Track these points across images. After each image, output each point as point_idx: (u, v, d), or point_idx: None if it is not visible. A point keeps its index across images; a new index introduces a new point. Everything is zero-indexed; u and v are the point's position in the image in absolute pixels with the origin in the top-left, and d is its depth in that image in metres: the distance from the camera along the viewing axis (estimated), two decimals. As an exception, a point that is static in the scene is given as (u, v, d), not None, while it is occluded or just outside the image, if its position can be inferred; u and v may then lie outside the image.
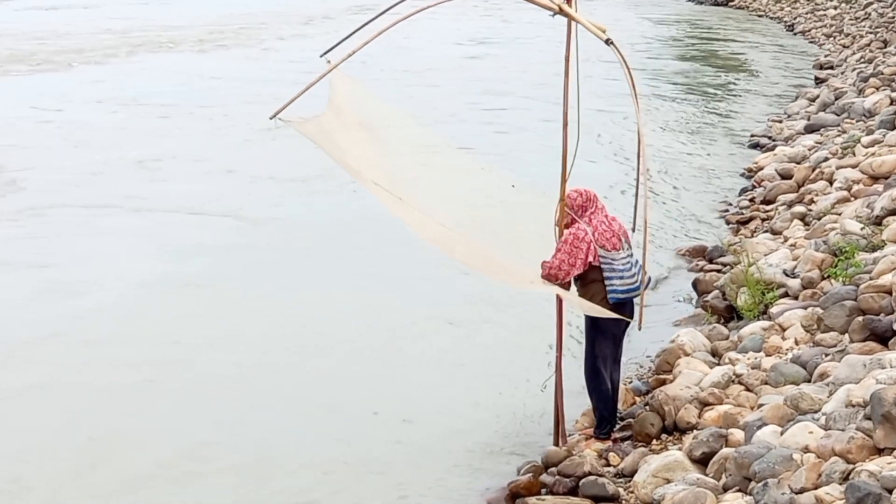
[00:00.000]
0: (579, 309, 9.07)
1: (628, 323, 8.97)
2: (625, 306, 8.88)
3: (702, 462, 8.26)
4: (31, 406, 10.27)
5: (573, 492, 8.36)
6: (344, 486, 8.94)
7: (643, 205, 8.47)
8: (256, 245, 14.88)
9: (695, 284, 13.17)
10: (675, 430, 9.19)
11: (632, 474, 8.52)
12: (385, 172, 8.83)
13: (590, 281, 8.78)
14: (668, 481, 8.08)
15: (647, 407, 9.47)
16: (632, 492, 8.31)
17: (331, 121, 8.75)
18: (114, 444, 9.58)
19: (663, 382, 9.98)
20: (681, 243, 15.23)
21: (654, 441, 9.11)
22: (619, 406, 9.65)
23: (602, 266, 8.71)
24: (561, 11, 8.48)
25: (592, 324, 9.00)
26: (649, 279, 9.10)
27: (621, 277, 8.74)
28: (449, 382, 10.86)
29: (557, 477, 8.52)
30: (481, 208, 9.64)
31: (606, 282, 8.72)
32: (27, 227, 15.71)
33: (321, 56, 8.52)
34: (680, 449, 8.62)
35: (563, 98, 8.69)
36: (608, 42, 8.29)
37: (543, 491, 8.52)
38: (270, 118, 8.13)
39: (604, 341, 9.01)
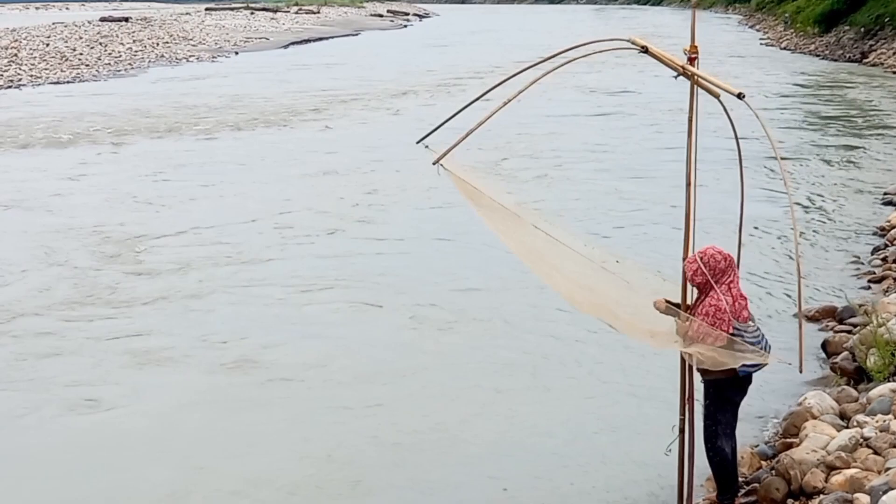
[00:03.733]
0: (707, 360, 8.81)
1: (747, 390, 8.83)
2: (743, 378, 8.74)
3: (826, 528, 8.10)
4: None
5: (696, 558, 8.27)
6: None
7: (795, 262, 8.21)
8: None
9: (824, 345, 12.93)
10: (801, 494, 9.00)
11: (756, 540, 8.40)
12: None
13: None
14: (792, 547, 7.94)
15: (773, 471, 9.31)
16: (755, 558, 8.19)
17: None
18: None
19: (790, 446, 9.81)
20: (810, 303, 14.98)
21: (779, 506, 8.96)
22: (745, 470, 9.49)
23: (736, 339, 8.50)
24: (685, 72, 8.47)
25: (714, 392, 8.83)
26: (769, 346, 8.89)
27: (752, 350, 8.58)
28: (570, 442, 10.84)
29: (680, 543, 8.44)
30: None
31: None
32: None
33: (417, 143, 8.58)
34: (805, 514, 8.48)
35: (686, 158, 8.63)
36: (740, 96, 8.20)
37: (666, 558, 8.46)
38: (433, 163, 8.27)
39: (727, 409, 8.85)
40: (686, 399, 8.96)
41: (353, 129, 31.53)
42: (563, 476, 10.11)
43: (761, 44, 58.12)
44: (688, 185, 8.59)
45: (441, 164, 8.32)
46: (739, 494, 9.15)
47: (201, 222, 20.02)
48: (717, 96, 8.43)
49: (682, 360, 8.83)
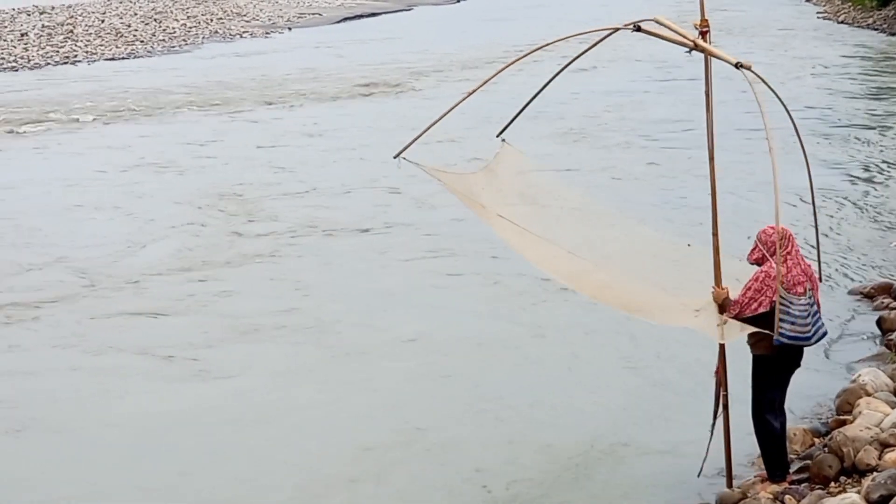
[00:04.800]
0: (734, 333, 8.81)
1: (797, 367, 8.78)
2: (791, 353, 8.69)
3: (880, 505, 8.04)
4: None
5: (747, 535, 8.25)
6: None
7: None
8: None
9: (879, 322, 12.83)
10: (854, 472, 8.94)
11: (807, 517, 8.36)
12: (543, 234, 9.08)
13: (761, 320, 8.62)
14: (845, 525, 7.90)
15: (826, 448, 9.25)
16: (807, 534, 8.16)
17: (479, 181, 9.10)
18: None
19: (843, 423, 9.74)
20: (864, 281, 14.85)
21: (832, 483, 8.88)
22: (797, 447, 9.46)
23: (779, 306, 8.52)
24: (696, 47, 8.46)
25: (761, 368, 8.79)
26: (824, 332, 8.85)
27: (793, 323, 8.45)
28: (619, 421, 10.87)
29: (731, 520, 8.42)
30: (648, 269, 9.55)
31: (777, 323, 8.48)
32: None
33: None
34: (858, 492, 8.40)
35: (707, 134, 8.65)
36: (737, 66, 8.23)
37: (717, 534, 8.44)
38: (394, 157, 8.77)
39: (772, 385, 8.81)
40: (724, 375, 9.01)
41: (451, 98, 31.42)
42: (600, 454, 10.20)
43: (818, 17, 57.26)
44: (710, 159, 8.64)
45: (403, 157, 8.77)
46: (791, 472, 9.12)
47: (328, 187, 21.02)
48: (749, 67, 8.38)
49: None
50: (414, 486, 9.79)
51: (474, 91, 8.79)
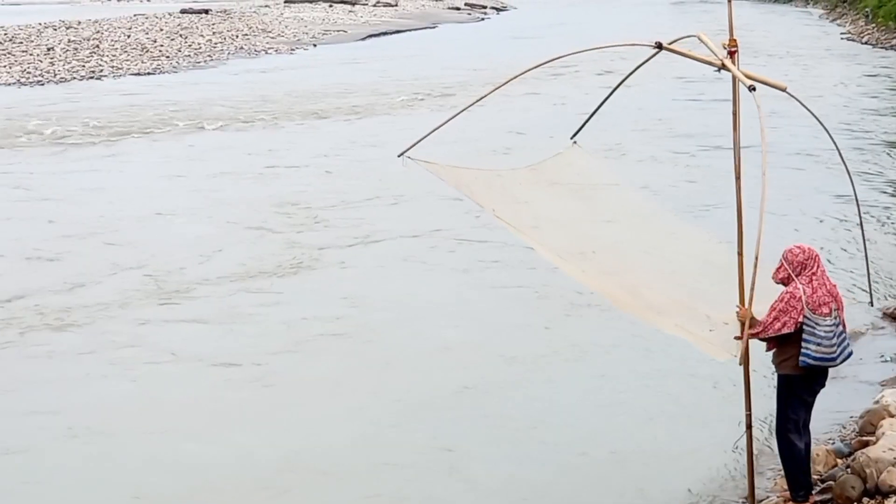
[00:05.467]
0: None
1: (821, 388, 8.76)
2: (816, 373, 8.65)
3: (903, 526, 8.01)
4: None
5: (770, 555, 8.21)
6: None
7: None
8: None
9: (903, 343, 12.79)
10: (877, 493, 8.91)
11: (830, 538, 8.33)
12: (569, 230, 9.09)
13: (787, 340, 8.63)
14: (868, 545, 7.87)
15: (849, 469, 9.21)
16: (830, 556, 8.12)
17: (518, 176, 9.17)
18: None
19: (866, 444, 9.71)
20: (889, 302, 14.78)
21: (855, 504, 8.88)
22: (820, 468, 9.42)
23: (804, 327, 8.50)
24: (724, 67, 8.47)
25: (786, 388, 8.76)
26: (850, 353, 8.82)
27: (818, 344, 8.44)
28: (638, 436, 10.89)
29: (754, 540, 8.38)
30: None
31: (802, 344, 8.46)
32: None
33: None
34: (881, 513, 8.39)
35: (733, 152, 8.66)
36: (751, 89, 8.22)
37: (738, 554, 8.41)
38: (398, 156, 8.83)
39: (797, 405, 8.77)
40: (747, 394, 8.99)
41: (496, 113, 31.51)
42: (625, 471, 10.20)
43: (842, 38, 57.21)
44: (736, 178, 8.66)
45: (408, 157, 8.80)
46: (814, 492, 9.08)
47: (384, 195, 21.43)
48: (783, 89, 8.43)
49: (747, 357, 8.84)
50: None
51: (485, 97, 8.89)
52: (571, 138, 9.59)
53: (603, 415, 11.42)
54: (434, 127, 8.68)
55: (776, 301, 8.53)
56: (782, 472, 9.19)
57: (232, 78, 42.38)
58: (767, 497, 9.23)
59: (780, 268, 8.66)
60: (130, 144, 28.11)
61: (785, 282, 8.61)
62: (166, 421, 11.45)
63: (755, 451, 8.98)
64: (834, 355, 8.52)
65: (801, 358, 8.44)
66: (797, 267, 8.55)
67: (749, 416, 8.90)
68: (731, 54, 8.57)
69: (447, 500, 9.82)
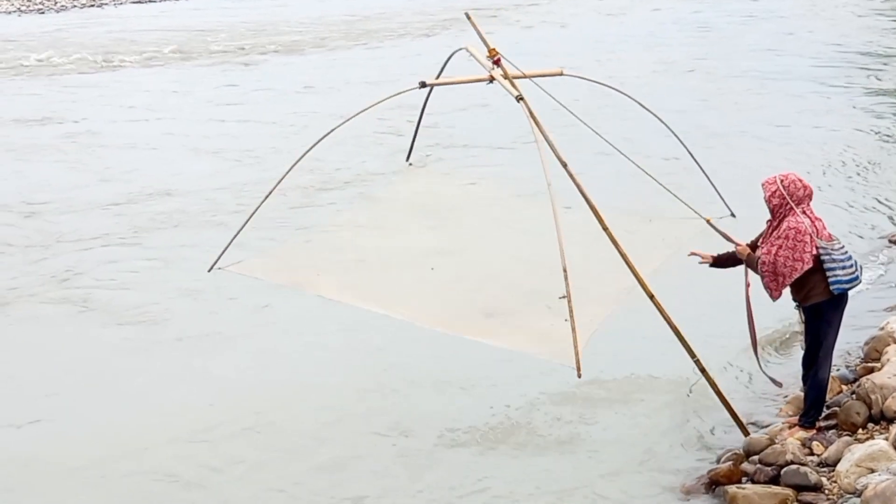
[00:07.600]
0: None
1: (844, 311, 8.80)
2: (842, 297, 8.68)
3: (907, 451, 8.06)
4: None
5: (774, 481, 8.25)
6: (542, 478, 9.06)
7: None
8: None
9: (909, 270, 12.82)
10: (882, 419, 8.98)
11: (835, 464, 8.38)
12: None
13: (808, 273, 8.56)
14: (872, 471, 7.93)
15: (854, 395, 9.28)
16: (834, 481, 8.17)
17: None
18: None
19: (871, 370, 9.76)
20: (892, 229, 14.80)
21: (860, 430, 8.92)
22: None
23: (822, 258, 8.49)
24: (493, 81, 8.63)
25: (818, 317, 8.74)
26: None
27: (843, 267, 8.50)
28: (646, 369, 10.85)
29: (759, 465, 8.43)
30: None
31: (829, 273, 8.47)
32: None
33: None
34: (886, 438, 8.43)
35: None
36: (519, 99, 8.38)
37: (744, 479, 8.45)
38: (208, 271, 9.01)
39: (830, 331, 8.80)
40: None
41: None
42: (637, 402, 10.18)
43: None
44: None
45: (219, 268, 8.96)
46: (820, 418, 9.14)
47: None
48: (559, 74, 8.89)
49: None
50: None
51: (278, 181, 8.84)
52: (406, 161, 9.90)
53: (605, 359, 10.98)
54: (237, 230, 8.85)
55: (777, 239, 8.53)
56: (792, 398, 9.26)
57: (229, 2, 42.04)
58: (773, 423, 9.28)
59: (775, 192, 8.58)
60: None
61: (776, 210, 8.61)
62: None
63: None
64: (857, 274, 8.65)
65: (834, 286, 8.50)
66: (795, 200, 8.57)
67: (698, 361, 8.90)
68: (497, 63, 8.60)
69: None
